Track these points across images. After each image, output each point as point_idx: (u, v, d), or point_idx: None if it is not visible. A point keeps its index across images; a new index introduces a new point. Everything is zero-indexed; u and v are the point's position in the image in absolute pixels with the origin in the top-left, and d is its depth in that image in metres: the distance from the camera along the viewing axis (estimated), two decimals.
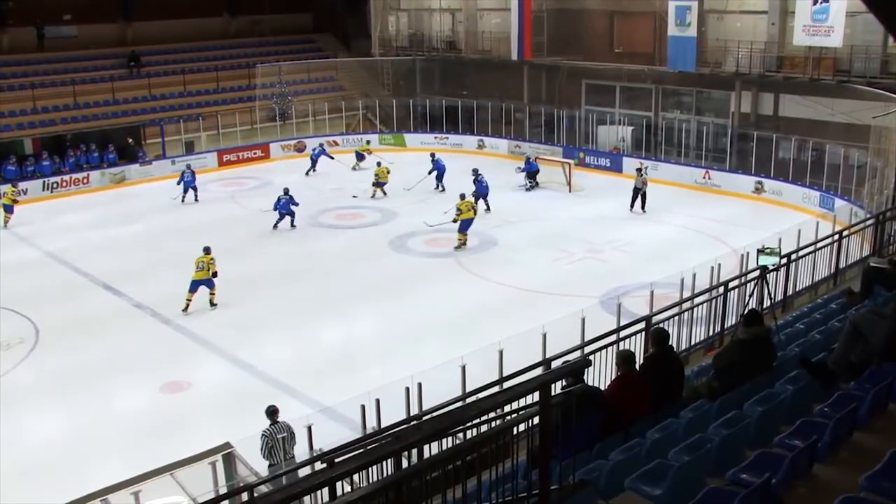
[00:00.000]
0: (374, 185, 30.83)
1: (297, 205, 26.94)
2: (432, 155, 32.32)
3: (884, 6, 5.46)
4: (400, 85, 43.88)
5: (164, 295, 20.96)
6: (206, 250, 20.53)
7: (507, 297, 20.58)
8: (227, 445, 10.61)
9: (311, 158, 34.90)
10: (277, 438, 11.65)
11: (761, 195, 29.83)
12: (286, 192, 26.91)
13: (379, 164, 31.50)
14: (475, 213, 24.98)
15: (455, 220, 24.51)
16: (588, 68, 37.94)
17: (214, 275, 20.27)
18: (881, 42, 28.21)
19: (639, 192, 28.30)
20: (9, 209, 27.86)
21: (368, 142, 36.60)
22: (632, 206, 28.28)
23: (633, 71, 36.23)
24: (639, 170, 28.85)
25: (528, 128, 38.37)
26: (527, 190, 31.16)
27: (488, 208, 27.90)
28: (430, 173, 31.19)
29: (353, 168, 35.14)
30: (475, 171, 28.43)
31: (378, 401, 11.53)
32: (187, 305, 20.05)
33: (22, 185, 31.17)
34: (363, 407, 11.75)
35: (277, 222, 26.75)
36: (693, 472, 6.24)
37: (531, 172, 31.17)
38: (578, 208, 28.34)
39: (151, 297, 20.85)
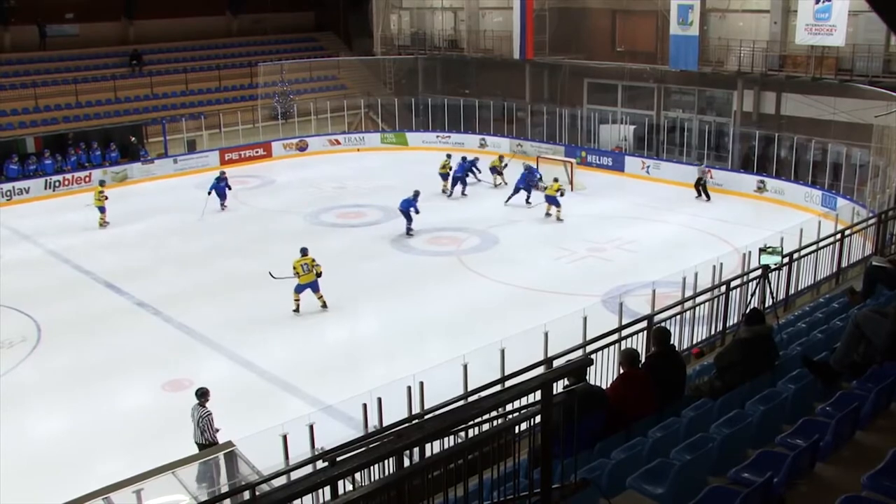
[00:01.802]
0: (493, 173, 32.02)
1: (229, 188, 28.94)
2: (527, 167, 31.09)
3: (887, 5, 5.44)
4: (402, 83, 43.96)
5: (165, 293, 20.99)
6: (304, 252, 19.89)
7: (509, 296, 20.57)
8: (229, 444, 10.62)
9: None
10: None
11: (763, 194, 29.81)
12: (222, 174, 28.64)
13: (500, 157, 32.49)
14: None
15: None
16: (590, 67, 37.96)
17: (318, 275, 19.60)
18: (883, 41, 28.20)
19: (700, 182, 29.98)
20: (102, 210, 27.43)
21: (501, 157, 33.20)
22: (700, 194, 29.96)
23: (635, 70, 36.22)
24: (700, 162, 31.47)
25: (529, 127, 38.36)
26: (526, 202, 29.79)
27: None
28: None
29: (496, 185, 32.22)
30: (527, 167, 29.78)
31: (380, 399, 11.53)
32: (297, 307, 19.70)
33: (23, 183, 31.26)
34: (365, 405, 11.74)
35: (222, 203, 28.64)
36: (695, 471, 6.24)
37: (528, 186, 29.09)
38: (580, 207, 28.32)
39: (153, 296, 20.85)
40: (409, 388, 11.74)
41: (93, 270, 23.02)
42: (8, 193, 31.10)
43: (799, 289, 14.82)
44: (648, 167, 33.34)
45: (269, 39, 46.25)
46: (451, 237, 25.43)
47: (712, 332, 13.53)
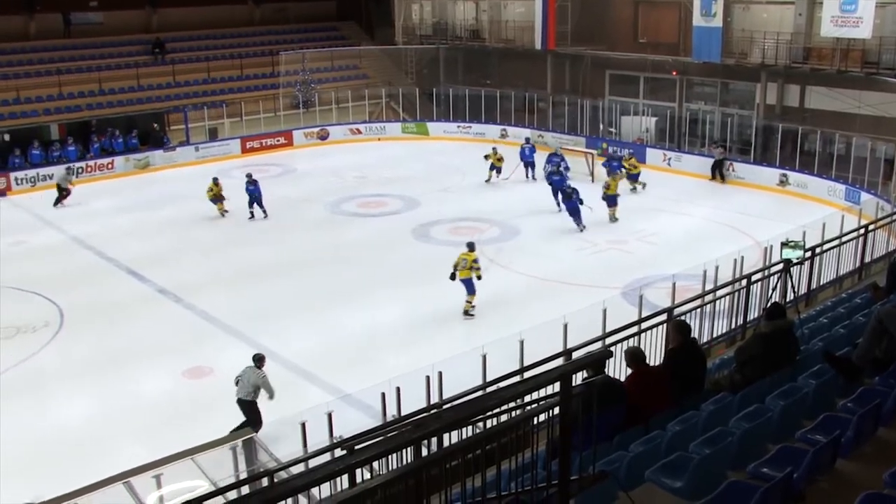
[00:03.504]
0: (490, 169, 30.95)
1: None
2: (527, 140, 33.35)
3: None
4: (423, 73, 43.88)
5: (187, 281, 21.10)
6: (471, 247, 19.32)
7: (529, 287, 20.53)
8: (248, 431, 10.67)
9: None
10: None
11: (786, 188, 29.57)
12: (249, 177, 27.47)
13: (494, 150, 31.45)
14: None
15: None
16: (612, 58, 37.74)
17: (478, 278, 18.86)
18: None
19: (717, 164, 31.05)
20: (217, 200, 27.18)
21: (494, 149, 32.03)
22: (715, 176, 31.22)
23: (657, 61, 35.98)
24: (715, 143, 31.89)
25: (551, 117, 38.23)
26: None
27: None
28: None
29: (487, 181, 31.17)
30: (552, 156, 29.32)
31: (398, 389, 11.56)
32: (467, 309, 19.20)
33: (46, 170, 31.48)
34: (383, 395, 11.77)
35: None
36: (714, 465, 6.21)
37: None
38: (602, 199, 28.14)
39: (175, 283, 20.98)
40: (428, 377, 11.76)
41: (115, 257, 23.18)
42: (32, 179, 31.36)
43: (821, 283, 14.71)
44: (670, 159, 33.15)
45: (291, 28, 46.31)
46: (471, 227, 25.37)
47: (733, 326, 13.45)
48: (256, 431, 12.62)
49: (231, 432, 12.34)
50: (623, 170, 28.54)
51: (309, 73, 40.43)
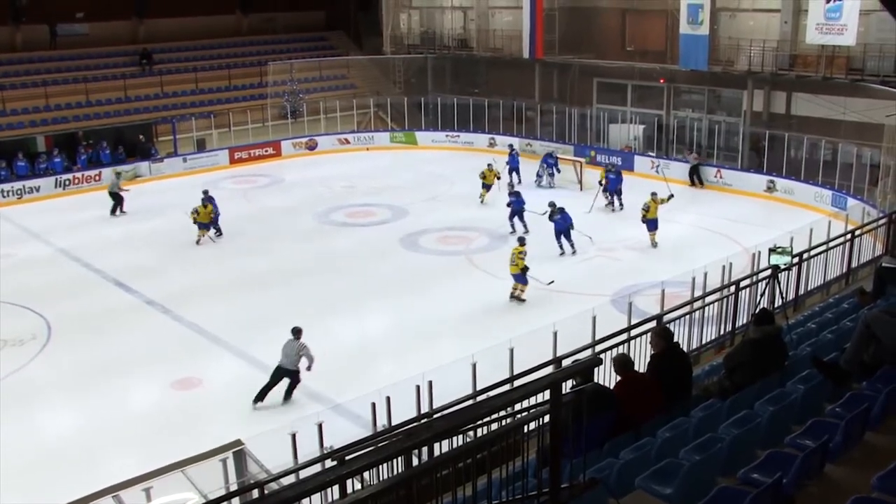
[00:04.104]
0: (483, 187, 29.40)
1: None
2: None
3: None
4: (411, 83, 43.93)
5: (175, 292, 21.05)
6: (521, 241, 20.56)
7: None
8: (238, 442, 10.64)
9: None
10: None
11: (773, 194, 29.73)
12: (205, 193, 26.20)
13: (490, 166, 30.07)
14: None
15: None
16: (600, 66, 37.89)
17: (523, 269, 19.93)
18: (895, 40, 28.06)
19: (694, 169, 31.54)
20: (203, 226, 25.28)
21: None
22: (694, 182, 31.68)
23: (644, 69, 36.14)
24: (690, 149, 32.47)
25: (539, 126, 38.33)
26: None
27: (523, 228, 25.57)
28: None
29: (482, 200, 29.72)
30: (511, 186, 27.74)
31: (388, 398, 11.55)
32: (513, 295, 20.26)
33: (33, 182, 31.39)
34: (374, 404, 11.76)
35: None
36: (704, 471, 6.23)
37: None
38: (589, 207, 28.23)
39: (163, 294, 20.92)
40: (418, 387, 11.76)
41: (103, 269, 23.10)
42: (19, 192, 31.26)
43: (809, 289, 14.77)
44: (658, 166, 33.26)
45: (279, 38, 46.32)
46: (460, 236, 25.43)
47: (721, 333, 13.50)
48: (290, 395, 15.50)
49: (256, 399, 15.25)
50: (657, 195, 24.56)
51: (297, 83, 40.46)
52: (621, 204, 28.24)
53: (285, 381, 15.61)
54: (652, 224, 24.15)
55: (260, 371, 16.71)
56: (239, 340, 18.17)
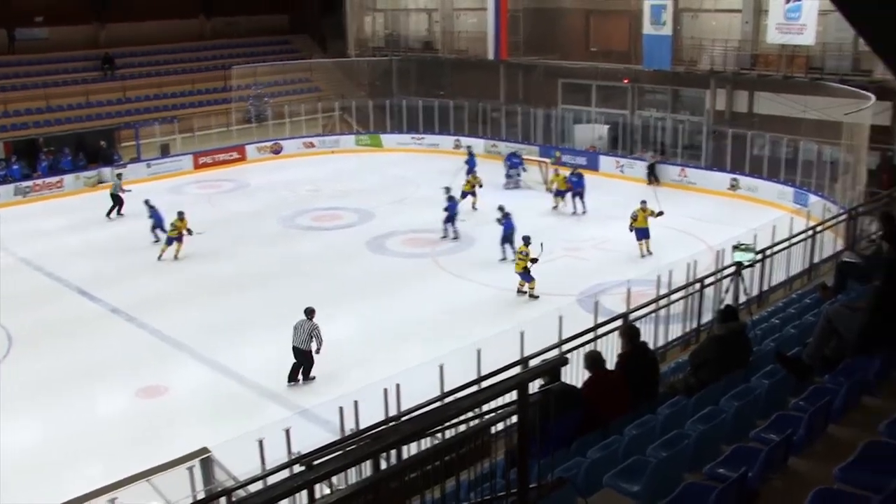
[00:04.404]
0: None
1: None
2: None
3: (850, 5, 5.52)
4: (376, 85, 43.87)
5: (139, 299, 20.85)
6: (525, 241, 20.76)
7: (486, 297, 20.63)
8: (205, 450, 10.55)
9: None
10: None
11: (737, 192, 30.05)
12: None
13: (474, 174, 29.69)
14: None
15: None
16: (564, 67, 38.09)
17: (526, 269, 20.43)
18: (852, 40, 28.48)
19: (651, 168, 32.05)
20: (177, 239, 24.28)
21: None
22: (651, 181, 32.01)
23: (608, 70, 36.37)
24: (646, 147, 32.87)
25: (504, 127, 38.44)
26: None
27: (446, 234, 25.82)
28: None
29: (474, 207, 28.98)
30: (447, 190, 26.48)
31: (356, 402, 11.50)
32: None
33: None
34: (341, 409, 11.70)
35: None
36: (670, 467, 6.28)
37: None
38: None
39: (127, 302, 20.70)
40: (386, 390, 11.71)
41: (65, 277, 22.82)
42: None
43: (772, 285, 14.93)
44: (623, 166, 33.53)
45: (243, 42, 46.01)
46: (426, 238, 25.43)
47: (687, 330, 13.62)
48: (308, 375, 16.30)
49: (289, 379, 16.22)
50: (646, 205, 23.85)
51: (261, 87, 40.30)
52: (584, 208, 28.20)
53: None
54: (640, 233, 23.52)
55: (225, 377, 16.63)
56: (205, 347, 18.03)
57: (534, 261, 20.26)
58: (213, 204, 30.54)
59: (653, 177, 32.19)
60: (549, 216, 27.59)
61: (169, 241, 24.34)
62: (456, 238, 24.96)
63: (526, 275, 20.40)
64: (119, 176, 30.49)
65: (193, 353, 17.88)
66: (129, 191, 29.25)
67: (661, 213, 23.55)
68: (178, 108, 38.94)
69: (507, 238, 23.17)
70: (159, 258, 24.15)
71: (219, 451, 10.90)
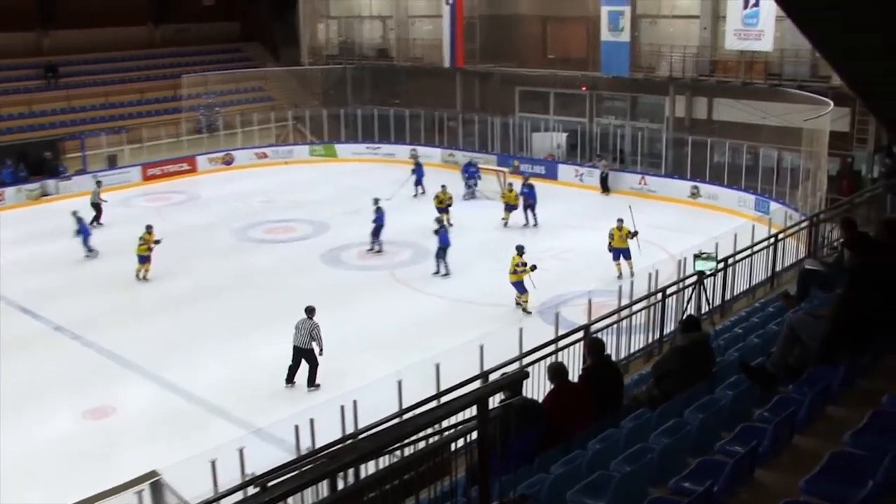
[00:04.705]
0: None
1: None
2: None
3: (796, 7, 5.59)
4: (330, 94, 43.73)
5: (86, 316, 20.50)
6: (519, 251, 20.47)
7: (444, 310, 20.60)
8: (154, 473, 10.36)
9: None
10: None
11: (697, 200, 30.37)
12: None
13: (444, 188, 28.90)
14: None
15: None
16: (521, 75, 38.28)
17: (521, 280, 20.20)
18: (810, 46, 28.94)
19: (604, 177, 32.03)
20: (142, 260, 23.44)
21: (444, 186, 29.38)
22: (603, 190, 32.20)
23: (566, 77, 36.60)
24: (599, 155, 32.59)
25: (461, 136, 38.51)
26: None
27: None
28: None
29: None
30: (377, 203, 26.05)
31: (312, 420, 11.39)
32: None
33: None
34: (297, 427, 11.57)
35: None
36: (635, 482, 6.26)
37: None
38: (514, 216, 28.42)
39: (72, 320, 20.34)
40: (343, 407, 11.61)
41: (6, 294, 22.33)
42: None
43: (734, 294, 15.06)
44: (582, 175, 33.72)
45: (193, 50, 45.59)
46: (384, 250, 25.34)
47: (649, 341, 13.67)
48: (313, 381, 16.46)
49: (287, 380, 16.54)
50: (623, 224, 22.91)
51: (213, 97, 39.96)
52: (535, 220, 28.04)
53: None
54: (617, 253, 22.64)
55: (176, 396, 16.39)
56: (154, 365, 17.75)
57: (533, 268, 20.14)
58: (163, 217, 30.05)
59: (605, 186, 32.28)
60: (504, 229, 27.62)
61: (142, 260, 23.43)
62: (380, 251, 25.09)
63: (521, 286, 20.21)
64: (98, 184, 30.29)
65: (142, 372, 17.60)
66: (106, 201, 29.14)
67: (635, 234, 22.77)
68: (126, 118, 38.46)
69: (443, 251, 23.11)
70: (144, 278, 23.42)
71: (169, 473, 10.69)
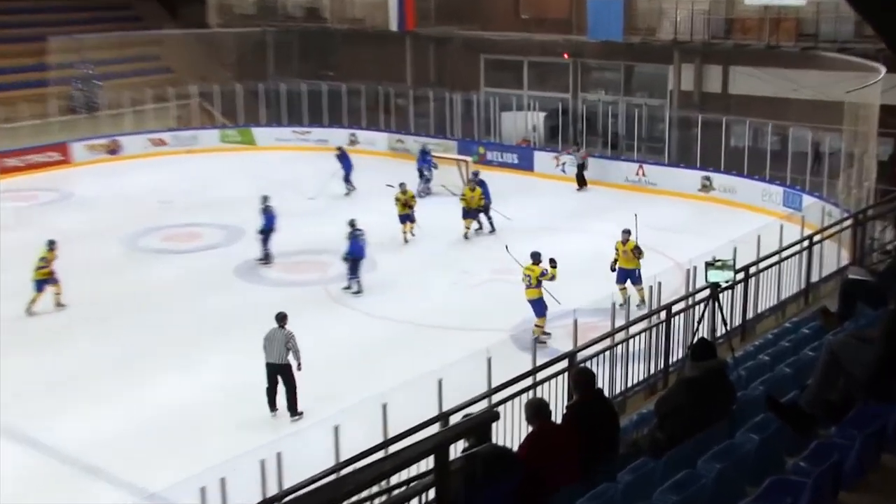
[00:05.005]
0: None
1: None
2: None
3: None
4: (246, 64, 43.54)
5: None
6: (535, 258, 20.13)
7: (393, 335, 20.60)
8: None
9: None
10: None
11: (710, 194, 30.63)
12: None
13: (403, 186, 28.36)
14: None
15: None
16: (488, 40, 38.44)
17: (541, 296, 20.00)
18: None
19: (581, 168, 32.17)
20: (40, 286, 22.62)
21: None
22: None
23: (544, 42, 36.73)
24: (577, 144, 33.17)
25: (413, 117, 38.57)
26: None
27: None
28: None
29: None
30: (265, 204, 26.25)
31: (223, 480, 11.25)
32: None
33: None
34: (203, 489, 11.42)
35: None
36: None
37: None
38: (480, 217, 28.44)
39: None
40: (263, 462, 11.50)
41: None
42: None
43: (759, 312, 15.15)
44: (564, 164, 33.83)
45: (67, 6, 45.17)
46: (313, 262, 25.35)
47: (651, 372, 13.69)
48: (295, 408, 16.74)
49: (270, 406, 16.87)
50: (629, 237, 21.96)
51: (91, 66, 39.57)
52: (491, 226, 27.95)
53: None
54: (622, 275, 21.88)
55: (39, 453, 16.12)
56: (13, 415, 17.35)
57: (553, 263, 19.89)
58: (24, 221, 29.70)
59: (581, 180, 32.58)
60: (473, 227, 27.63)
61: (39, 287, 22.61)
62: (265, 261, 25.36)
63: (541, 305, 19.81)
64: None
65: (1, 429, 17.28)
66: None
67: (641, 253, 21.94)
68: None
69: (355, 262, 23.20)
70: (29, 311, 22.61)
71: None
